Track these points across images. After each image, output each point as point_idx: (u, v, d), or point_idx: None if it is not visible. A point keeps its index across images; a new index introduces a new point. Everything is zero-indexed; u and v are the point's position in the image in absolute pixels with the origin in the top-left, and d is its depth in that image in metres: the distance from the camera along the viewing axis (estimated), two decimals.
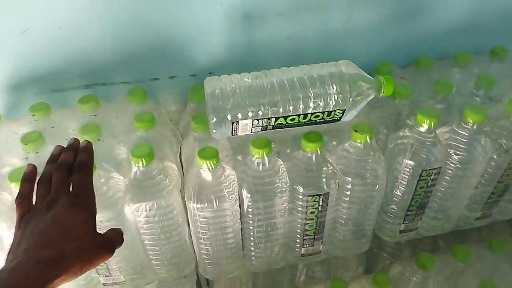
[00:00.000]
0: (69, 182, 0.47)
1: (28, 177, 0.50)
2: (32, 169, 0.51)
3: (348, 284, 0.72)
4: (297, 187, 0.62)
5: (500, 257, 0.79)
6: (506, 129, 0.68)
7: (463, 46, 0.80)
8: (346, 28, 0.74)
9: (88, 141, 0.53)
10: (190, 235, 0.67)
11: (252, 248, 0.70)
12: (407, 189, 0.68)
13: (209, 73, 0.73)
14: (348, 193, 0.65)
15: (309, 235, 0.69)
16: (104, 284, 0.67)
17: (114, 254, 0.58)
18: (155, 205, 0.59)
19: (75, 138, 0.53)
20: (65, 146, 0.52)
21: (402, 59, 0.78)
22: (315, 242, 0.71)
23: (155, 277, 0.71)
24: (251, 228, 0.66)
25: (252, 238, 0.68)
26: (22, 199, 0.48)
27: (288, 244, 0.71)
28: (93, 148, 0.52)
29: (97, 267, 0.63)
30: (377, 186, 0.64)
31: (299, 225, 0.67)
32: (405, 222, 0.73)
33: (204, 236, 0.64)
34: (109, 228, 0.48)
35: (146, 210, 0.59)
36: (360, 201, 0.66)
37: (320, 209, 0.64)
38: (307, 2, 0.70)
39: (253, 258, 0.71)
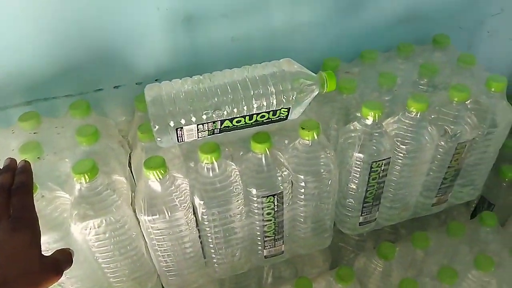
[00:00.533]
0: (8, 205, 0.45)
1: None
2: None
3: (313, 281, 0.72)
4: (251, 189, 0.61)
5: (458, 240, 0.81)
6: (451, 115, 0.70)
7: (407, 36, 0.82)
8: (290, 26, 0.74)
9: (26, 161, 0.50)
10: (147, 248, 0.65)
11: (213, 255, 0.69)
12: (360, 182, 0.68)
13: (156, 80, 0.71)
14: (302, 190, 0.65)
15: (269, 236, 0.69)
16: None
17: (68, 276, 0.56)
18: (104, 221, 0.57)
19: (12, 158, 0.50)
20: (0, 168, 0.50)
21: (348, 53, 0.79)
22: (276, 242, 0.70)
23: None
24: (209, 235, 0.65)
25: (211, 245, 0.67)
26: None
27: (249, 247, 0.71)
28: (33, 167, 0.50)
29: None
30: (330, 181, 0.65)
31: (257, 227, 0.67)
32: (363, 214, 0.74)
33: (161, 248, 0.63)
34: (56, 249, 0.47)
35: (94, 228, 0.57)
36: (315, 198, 0.66)
37: (276, 209, 0.64)
38: (249, 2, 0.70)
39: (215, 265, 0.70)
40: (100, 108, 0.71)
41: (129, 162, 0.67)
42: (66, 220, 0.56)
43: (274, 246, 0.71)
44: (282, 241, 0.71)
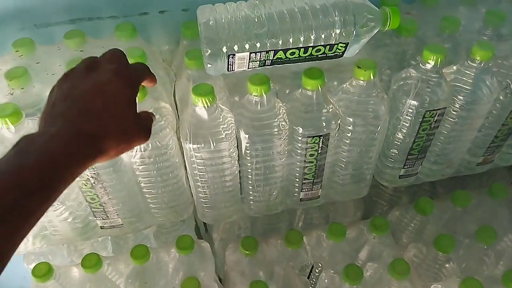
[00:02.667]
0: (126, 61, 0.42)
1: None
2: None
3: (346, 228, 0.72)
4: (297, 128, 0.60)
5: (499, 202, 0.79)
6: None
7: None
8: None
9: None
10: (188, 178, 0.65)
11: (251, 192, 0.68)
12: (409, 131, 0.66)
13: None
14: (349, 134, 0.63)
15: (308, 179, 0.68)
16: (101, 227, 0.66)
17: (110, 196, 0.57)
18: (150, 145, 0.57)
19: None
20: None
21: None
22: (314, 186, 0.69)
23: (153, 220, 0.71)
24: (249, 170, 0.64)
25: (250, 182, 0.66)
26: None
27: (286, 188, 0.70)
28: None
29: (94, 209, 0.62)
30: (379, 127, 0.62)
31: (297, 168, 0.66)
32: (405, 166, 0.72)
33: (201, 179, 0.63)
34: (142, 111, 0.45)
35: (140, 150, 0.57)
36: (361, 143, 0.64)
37: (320, 151, 0.63)
38: None
39: (251, 202, 0.71)
40: (144, 34, 0.68)
41: (173, 91, 0.65)
42: None
43: (311, 190, 0.70)
44: (320, 185, 0.70)
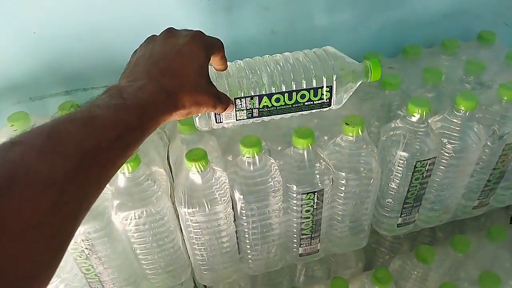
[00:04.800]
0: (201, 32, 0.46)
1: None
2: None
3: (348, 282, 0.70)
4: (291, 185, 0.60)
5: (499, 245, 0.78)
6: (498, 114, 0.67)
7: (451, 32, 0.79)
8: (331, 19, 0.73)
9: None
10: (184, 241, 0.64)
11: (249, 251, 0.68)
12: (403, 181, 0.66)
13: None
14: (343, 188, 0.63)
15: (306, 234, 0.67)
16: None
17: (105, 266, 0.56)
18: (145, 212, 0.56)
19: None
20: None
21: (390, 48, 0.77)
22: (312, 241, 0.69)
23: (151, 287, 0.69)
24: (246, 230, 0.64)
25: (247, 241, 0.66)
26: None
27: (285, 245, 0.70)
28: None
29: (89, 279, 0.61)
30: (372, 179, 0.63)
31: (295, 224, 0.66)
32: (402, 215, 0.72)
33: (198, 242, 0.62)
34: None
35: (135, 218, 0.56)
36: (355, 196, 0.64)
37: (315, 207, 0.63)
38: None
39: (250, 261, 0.69)
40: None
41: (167, 155, 0.66)
42: (107, 210, 0.56)
43: (310, 245, 0.69)
44: (318, 239, 0.69)
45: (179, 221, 0.61)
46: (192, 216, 0.58)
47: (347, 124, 0.59)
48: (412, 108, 0.60)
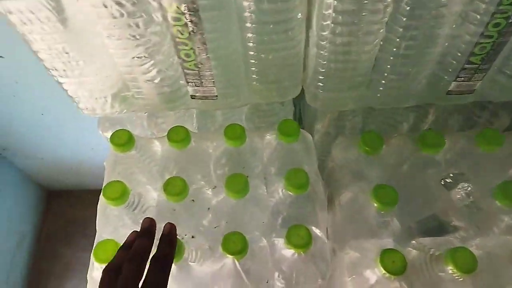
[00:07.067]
0: (141, 276, 0.38)
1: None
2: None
3: (503, 136, 0.54)
4: None
5: None
6: None
7: None
8: None
9: (171, 224, 0.43)
10: (306, 48, 0.48)
11: (385, 73, 0.51)
12: None
13: None
14: None
15: (473, 63, 0.48)
16: (192, 96, 0.53)
17: (210, 55, 0.43)
18: None
19: (151, 219, 0.42)
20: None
21: None
22: (475, 74, 0.50)
23: (251, 98, 0.57)
24: (398, 39, 0.46)
25: (391, 57, 0.48)
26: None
27: (436, 74, 0.52)
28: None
29: (187, 70, 0.49)
30: None
31: (465, 44, 0.46)
32: None
33: (330, 45, 0.46)
34: None
35: None
36: None
37: (508, 23, 0.42)
38: None
39: (381, 88, 0.53)
40: None
41: None
42: None
43: (470, 80, 0.52)
44: (484, 73, 0.50)
45: (309, 14, 0.44)
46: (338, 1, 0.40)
47: None
48: None
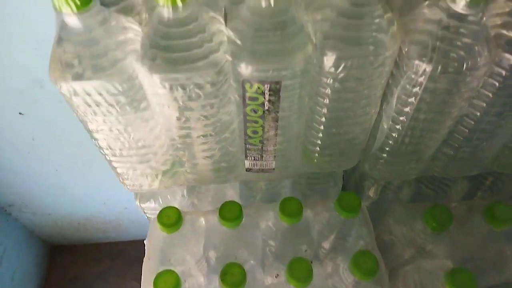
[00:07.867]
0: None
1: None
2: None
3: None
4: None
5: None
6: None
7: None
8: None
9: None
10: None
11: (457, 145, 0.48)
12: None
13: None
14: None
15: None
16: (247, 169, 0.49)
17: (279, 132, 0.39)
18: (360, 56, 0.36)
19: None
20: None
21: None
22: None
23: (304, 168, 0.52)
24: (479, 114, 0.43)
25: (467, 130, 0.45)
26: None
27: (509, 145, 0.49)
28: None
29: (249, 145, 0.44)
30: None
31: None
32: None
33: (409, 120, 0.42)
34: None
35: (347, 67, 0.36)
36: None
37: None
38: None
39: (448, 160, 0.50)
40: None
41: None
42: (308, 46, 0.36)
43: None
44: None
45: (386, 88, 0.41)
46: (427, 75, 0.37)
47: None
48: None
